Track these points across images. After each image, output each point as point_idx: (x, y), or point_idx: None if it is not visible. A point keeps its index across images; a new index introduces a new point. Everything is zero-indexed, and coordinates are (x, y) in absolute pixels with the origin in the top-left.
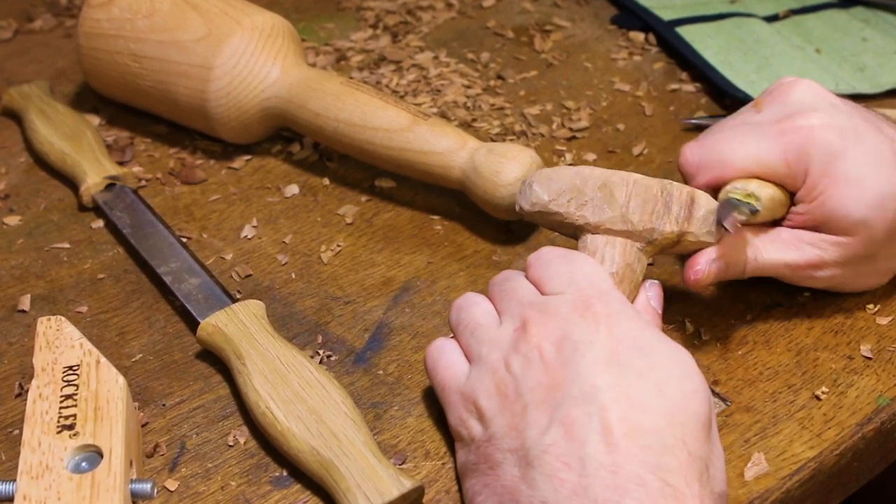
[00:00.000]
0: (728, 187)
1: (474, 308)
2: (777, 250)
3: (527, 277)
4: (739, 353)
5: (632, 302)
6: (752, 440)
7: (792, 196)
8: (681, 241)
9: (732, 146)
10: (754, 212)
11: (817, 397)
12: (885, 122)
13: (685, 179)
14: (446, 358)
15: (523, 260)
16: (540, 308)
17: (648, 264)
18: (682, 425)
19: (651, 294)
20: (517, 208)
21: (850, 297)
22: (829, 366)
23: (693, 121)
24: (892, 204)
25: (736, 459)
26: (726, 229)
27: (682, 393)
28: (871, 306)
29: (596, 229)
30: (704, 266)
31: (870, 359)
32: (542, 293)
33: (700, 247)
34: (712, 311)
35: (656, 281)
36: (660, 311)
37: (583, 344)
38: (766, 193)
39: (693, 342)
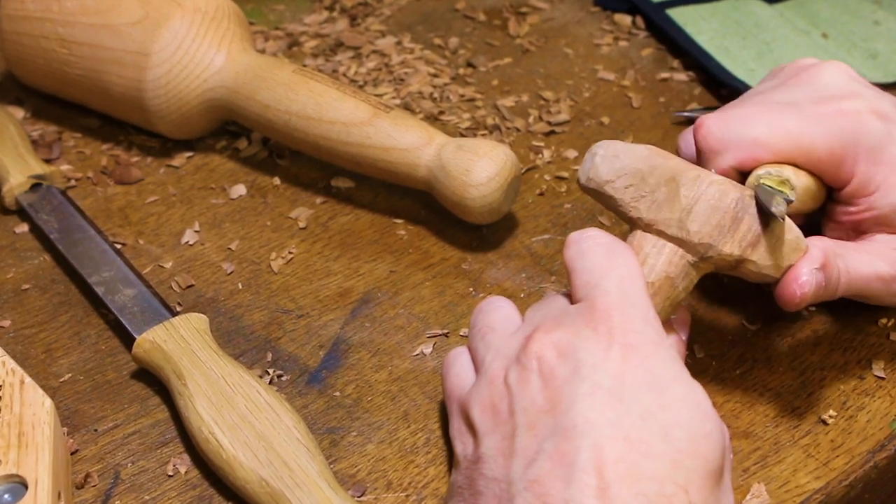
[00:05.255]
0: (760, 171)
1: (494, 312)
2: (868, 262)
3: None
4: (738, 372)
5: (665, 321)
6: (751, 469)
7: (828, 190)
8: (739, 268)
9: (769, 125)
10: (789, 202)
11: (824, 422)
12: None
13: (700, 159)
14: (458, 365)
15: (496, 268)
16: (555, 316)
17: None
18: (686, 471)
19: (675, 317)
20: (577, 178)
21: (860, 310)
22: (838, 387)
23: (685, 113)
24: None
25: (734, 491)
26: (774, 216)
27: (690, 437)
28: (883, 321)
29: (648, 228)
30: (810, 277)
31: (882, 379)
32: (570, 285)
33: (762, 279)
34: (707, 325)
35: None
36: (684, 338)
37: (586, 366)
38: (802, 183)
39: (685, 361)
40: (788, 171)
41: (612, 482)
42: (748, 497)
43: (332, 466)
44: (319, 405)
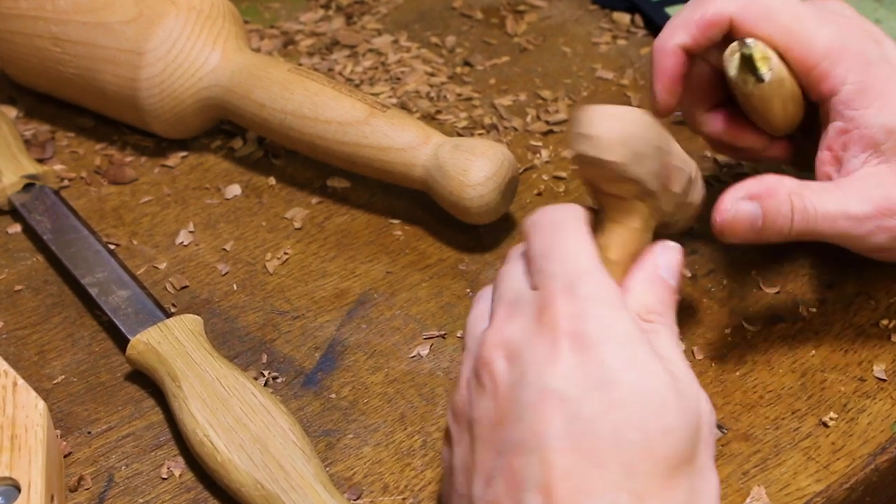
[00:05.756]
0: (748, 39)
1: (474, 309)
2: (836, 200)
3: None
4: (737, 373)
5: (623, 276)
6: (751, 472)
7: (811, 108)
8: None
9: (787, 2)
10: (760, 80)
11: (825, 424)
12: None
13: None
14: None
15: (493, 269)
16: (510, 306)
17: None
18: (640, 476)
19: (662, 262)
20: None
21: (861, 311)
22: (838, 388)
23: None
24: None
25: (733, 494)
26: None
27: (644, 436)
28: (885, 322)
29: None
30: (731, 205)
31: (884, 381)
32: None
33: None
34: (706, 326)
35: (673, 245)
36: (672, 283)
37: (531, 369)
38: (783, 70)
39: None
40: (774, 52)
41: (560, 500)
42: (748, 500)
43: (327, 469)
44: (315, 407)
